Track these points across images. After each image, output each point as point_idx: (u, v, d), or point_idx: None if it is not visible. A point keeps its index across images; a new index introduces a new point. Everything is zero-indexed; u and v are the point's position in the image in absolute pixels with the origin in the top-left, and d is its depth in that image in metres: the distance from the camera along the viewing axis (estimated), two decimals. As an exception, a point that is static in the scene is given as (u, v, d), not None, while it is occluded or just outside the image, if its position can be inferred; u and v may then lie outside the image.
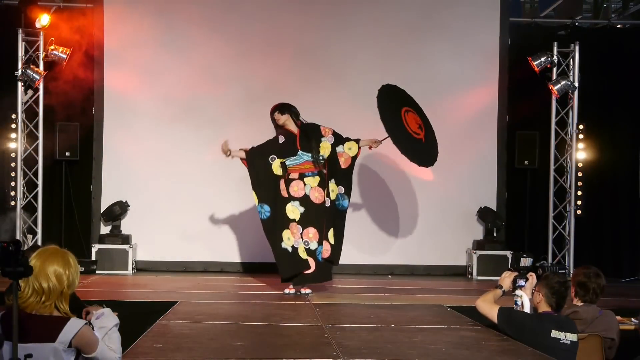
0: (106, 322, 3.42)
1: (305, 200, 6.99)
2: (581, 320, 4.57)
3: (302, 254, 6.99)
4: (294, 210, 7.00)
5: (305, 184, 7.03)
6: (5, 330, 3.05)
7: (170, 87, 9.70)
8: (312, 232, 6.98)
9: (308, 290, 7.06)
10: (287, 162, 7.08)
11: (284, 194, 7.05)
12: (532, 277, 4.67)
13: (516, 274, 4.75)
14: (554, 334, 4.29)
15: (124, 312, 5.09)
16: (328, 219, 7.08)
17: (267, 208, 7.09)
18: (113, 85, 9.64)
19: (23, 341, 2.99)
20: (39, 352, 3.12)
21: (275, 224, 7.06)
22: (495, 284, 4.85)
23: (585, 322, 4.61)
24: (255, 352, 4.19)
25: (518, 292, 4.65)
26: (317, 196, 7.02)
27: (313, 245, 6.99)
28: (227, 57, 9.73)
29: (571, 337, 4.32)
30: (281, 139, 7.17)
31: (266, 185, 7.11)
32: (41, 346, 3.16)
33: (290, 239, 7.01)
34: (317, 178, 7.06)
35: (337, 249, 7.15)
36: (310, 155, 7.05)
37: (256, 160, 7.16)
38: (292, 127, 7.18)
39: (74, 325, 3.23)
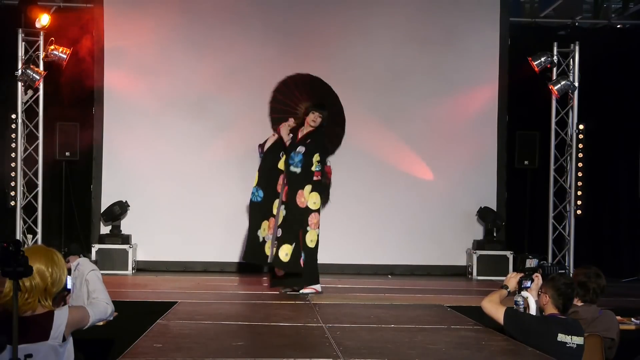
0: (82, 269, 3.54)
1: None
2: (581, 320, 4.56)
3: (267, 250, 7.09)
4: (280, 215, 7.10)
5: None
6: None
7: (170, 87, 9.70)
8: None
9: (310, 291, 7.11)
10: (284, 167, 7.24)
11: (279, 189, 7.18)
12: (538, 278, 4.64)
13: (522, 274, 4.71)
14: (561, 337, 4.27)
15: (124, 312, 5.12)
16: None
17: (261, 194, 7.18)
18: (113, 85, 9.64)
19: (19, 342, 2.98)
20: (36, 351, 3.12)
21: (261, 211, 7.16)
22: (500, 284, 4.82)
23: (585, 322, 4.60)
24: (255, 352, 4.19)
25: (524, 293, 4.62)
26: (302, 201, 7.08)
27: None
28: (228, 57, 9.72)
29: (577, 340, 4.30)
30: (290, 137, 7.27)
31: (269, 174, 7.21)
32: (37, 346, 3.16)
33: (265, 230, 7.13)
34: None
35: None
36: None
37: (272, 148, 7.26)
38: (302, 132, 7.27)
39: (60, 316, 3.24)
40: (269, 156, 7.24)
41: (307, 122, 7.21)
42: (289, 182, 7.07)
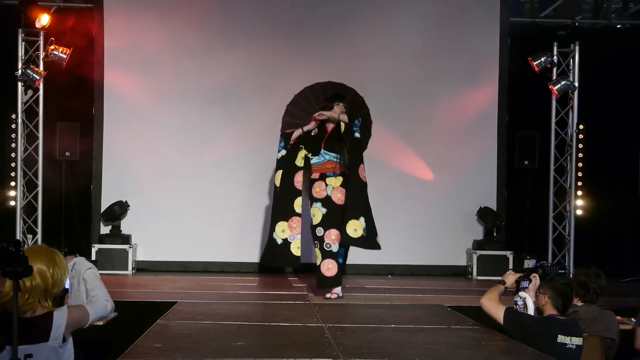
0: (79, 268, 3.57)
1: (327, 202, 6.75)
2: (581, 320, 4.56)
3: (296, 251, 6.80)
4: (316, 213, 6.76)
5: (327, 185, 6.79)
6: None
7: (170, 87, 9.71)
8: (334, 234, 6.69)
9: (334, 295, 6.75)
10: (312, 161, 6.89)
11: (298, 186, 6.88)
12: (536, 279, 4.63)
13: (520, 274, 4.70)
14: (560, 339, 4.26)
15: (124, 312, 5.12)
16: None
17: (279, 194, 6.92)
18: (113, 85, 9.64)
19: (18, 343, 2.98)
20: (37, 352, 3.12)
21: (275, 212, 6.91)
22: (497, 282, 4.81)
23: (585, 322, 4.60)
24: (255, 352, 4.19)
25: (522, 293, 4.61)
26: (339, 197, 6.75)
27: (335, 248, 6.69)
28: (228, 57, 9.72)
29: (577, 341, 4.29)
30: (314, 131, 6.95)
31: (285, 172, 6.92)
32: (37, 347, 3.16)
33: (284, 231, 6.81)
34: (340, 179, 6.80)
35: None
36: (333, 155, 6.83)
37: (293, 145, 6.95)
38: (329, 124, 6.92)
39: (59, 317, 3.24)
40: (290, 152, 6.92)
41: (328, 114, 6.85)
42: (352, 151, 6.74)
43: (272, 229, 6.87)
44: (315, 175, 6.86)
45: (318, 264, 6.74)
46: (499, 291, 4.67)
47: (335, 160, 6.83)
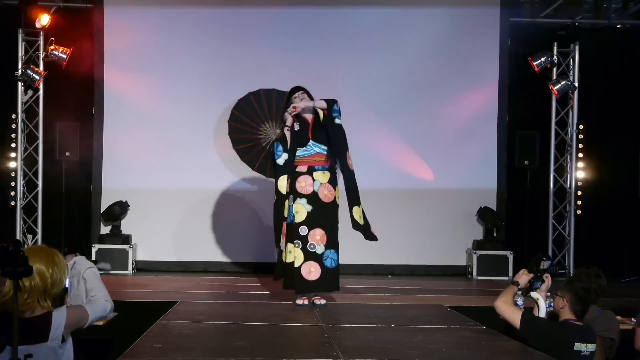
0: (78, 268, 3.55)
1: (313, 198, 6.11)
2: (582, 320, 4.56)
3: (288, 258, 6.16)
4: (299, 210, 6.11)
5: (314, 180, 6.15)
6: None
7: (170, 87, 9.71)
8: (319, 234, 6.09)
9: (322, 301, 6.15)
10: (297, 153, 6.22)
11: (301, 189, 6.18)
12: (548, 279, 4.59)
13: (533, 275, 4.65)
14: (577, 346, 4.21)
15: (124, 312, 5.12)
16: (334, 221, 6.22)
17: (281, 201, 6.27)
18: (113, 85, 9.64)
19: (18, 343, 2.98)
20: (36, 352, 3.12)
21: (278, 222, 6.32)
22: (500, 284, 4.78)
23: (586, 322, 4.60)
24: (255, 352, 4.19)
25: (534, 294, 4.56)
26: (326, 194, 6.16)
27: (319, 249, 6.08)
28: (228, 57, 9.72)
29: (591, 347, 4.26)
30: (296, 127, 6.25)
31: (290, 177, 6.26)
32: (36, 347, 3.16)
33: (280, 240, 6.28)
34: (328, 174, 6.20)
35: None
36: (323, 147, 6.20)
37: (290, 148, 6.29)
38: (307, 115, 6.27)
39: (58, 317, 3.24)
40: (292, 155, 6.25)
41: (302, 106, 6.23)
42: (334, 139, 6.12)
43: (277, 240, 6.31)
44: (302, 169, 6.19)
45: (298, 265, 6.07)
46: (513, 292, 4.57)
47: (324, 152, 6.22)
